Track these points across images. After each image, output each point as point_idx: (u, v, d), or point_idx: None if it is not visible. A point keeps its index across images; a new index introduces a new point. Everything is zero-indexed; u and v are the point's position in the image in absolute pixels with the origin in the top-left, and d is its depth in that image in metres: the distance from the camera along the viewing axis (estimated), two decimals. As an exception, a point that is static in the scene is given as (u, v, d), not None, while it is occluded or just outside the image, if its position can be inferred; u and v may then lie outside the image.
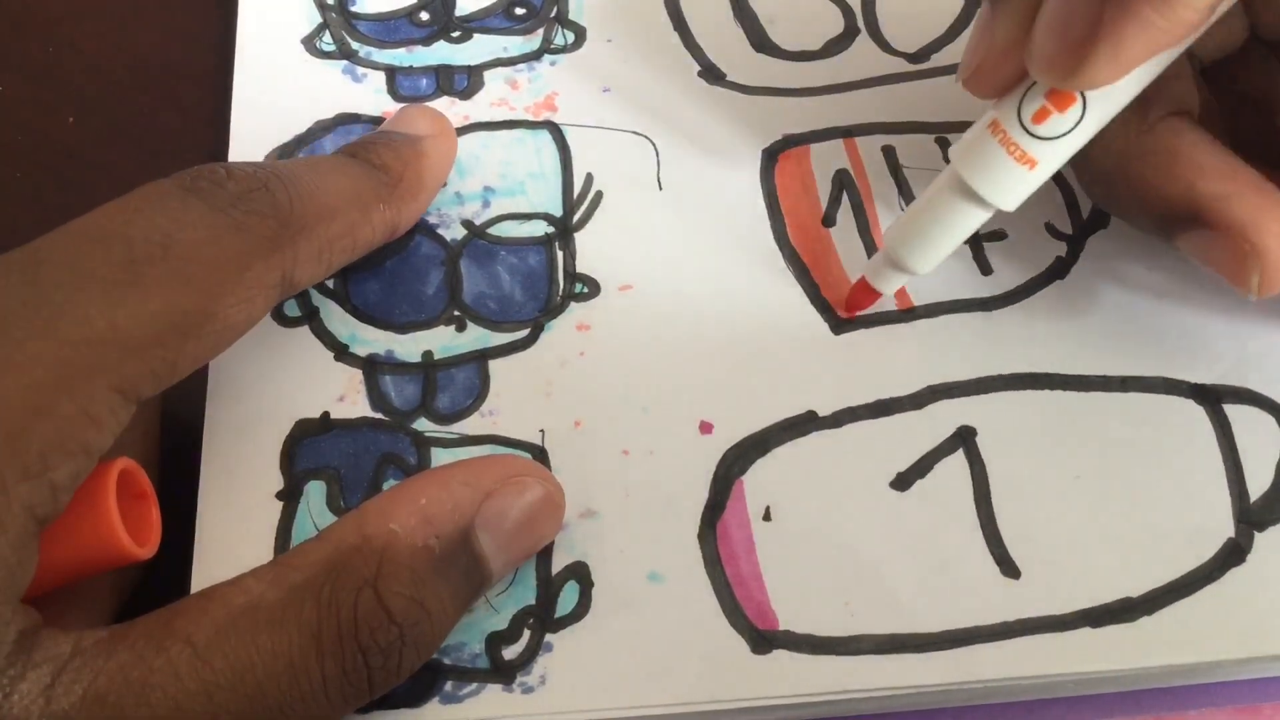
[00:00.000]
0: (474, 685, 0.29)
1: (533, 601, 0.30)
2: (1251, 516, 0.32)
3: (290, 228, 0.29)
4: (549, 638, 0.30)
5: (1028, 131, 0.29)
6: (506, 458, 0.31)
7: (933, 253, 0.32)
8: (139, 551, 0.27)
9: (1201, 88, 0.33)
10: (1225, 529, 0.31)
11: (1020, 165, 0.30)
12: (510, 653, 0.29)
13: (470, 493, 0.28)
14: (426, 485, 0.28)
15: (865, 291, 0.34)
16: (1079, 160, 0.31)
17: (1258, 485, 0.32)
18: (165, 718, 0.24)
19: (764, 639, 0.30)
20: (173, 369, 0.27)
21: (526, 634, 0.30)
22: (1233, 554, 0.31)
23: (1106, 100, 0.29)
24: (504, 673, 0.29)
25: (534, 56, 0.39)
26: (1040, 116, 0.29)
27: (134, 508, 0.28)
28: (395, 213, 0.33)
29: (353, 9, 0.39)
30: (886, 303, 0.34)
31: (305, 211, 0.30)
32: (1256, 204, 0.30)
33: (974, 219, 0.31)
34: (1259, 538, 0.31)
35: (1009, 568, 0.31)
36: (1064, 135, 0.29)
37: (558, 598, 0.30)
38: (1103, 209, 0.35)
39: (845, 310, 0.35)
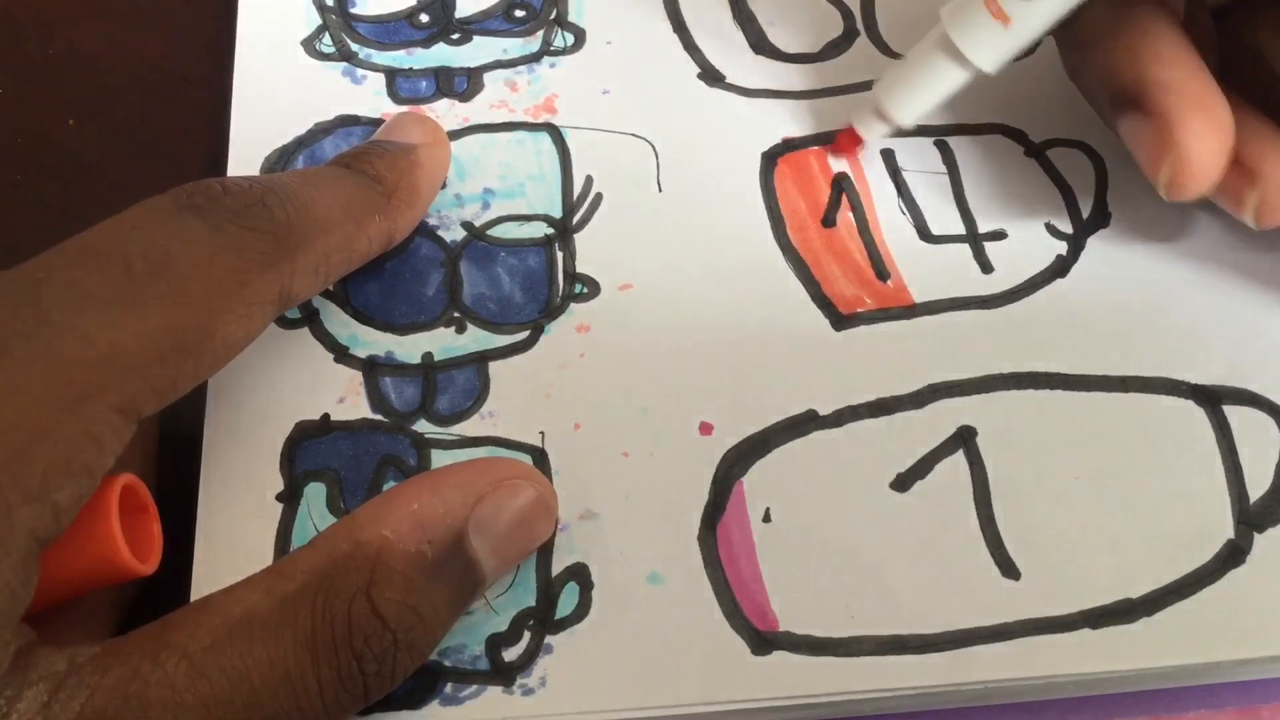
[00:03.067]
0: (474, 687, 0.29)
1: (533, 603, 0.30)
2: (1251, 518, 0.31)
3: (287, 243, 0.29)
4: (549, 639, 0.30)
5: None
6: (499, 460, 0.31)
7: (914, 104, 0.35)
8: (141, 568, 0.27)
9: (1208, 25, 0.34)
10: (1225, 530, 0.31)
11: (995, 21, 0.32)
12: (510, 654, 0.29)
13: (463, 496, 0.28)
14: (419, 490, 0.28)
15: (851, 137, 0.36)
16: (1063, 32, 0.34)
17: (1257, 487, 0.32)
18: None
19: (764, 640, 0.30)
20: (173, 387, 0.27)
21: (527, 635, 0.30)
22: (1232, 555, 0.31)
23: None
24: (504, 674, 0.29)
25: (533, 58, 0.39)
26: None
27: (135, 522, 0.28)
28: (391, 223, 0.33)
29: (352, 11, 0.39)
30: (887, 297, 0.35)
31: (302, 226, 0.30)
32: (1191, 99, 0.31)
33: (953, 75, 0.34)
34: (1258, 539, 0.31)
35: (1009, 568, 0.31)
36: None
37: (558, 599, 0.30)
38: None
39: (832, 151, 0.37)
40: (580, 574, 0.30)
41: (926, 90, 0.34)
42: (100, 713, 0.24)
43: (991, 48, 0.33)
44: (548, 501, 0.30)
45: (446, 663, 0.29)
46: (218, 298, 0.27)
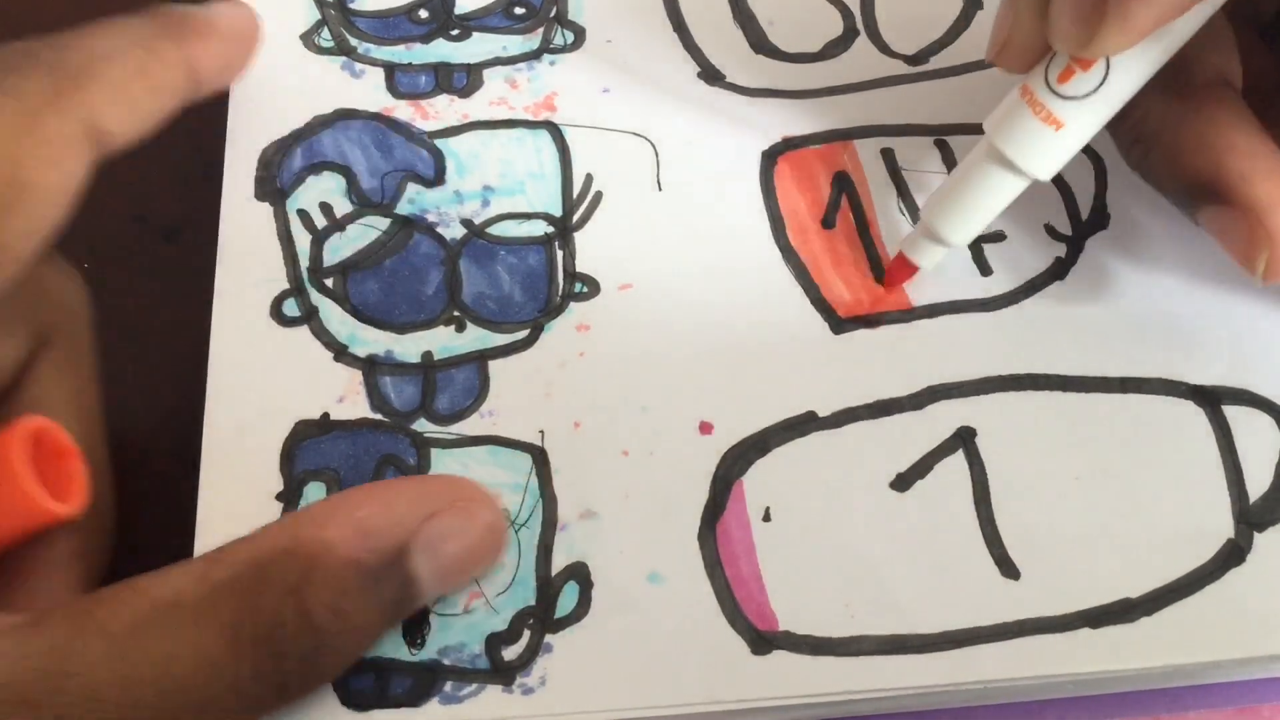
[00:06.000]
0: (474, 686, 0.29)
1: (532, 602, 0.30)
2: (1251, 517, 0.32)
3: (67, 77, 0.29)
4: (549, 638, 0.30)
5: (1054, 92, 0.30)
6: (456, 480, 0.30)
7: (969, 223, 0.33)
8: (60, 509, 0.27)
9: (1261, 51, 0.33)
10: (1225, 529, 0.31)
11: (1047, 126, 0.30)
12: (510, 653, 0.29)
13: (413, 510, 0.28)
14: (369, 497, 0.28)
15: (903, 266, 0.35)
16: (1120, 125, 0.32)
17: (1257, 486, 0.32)
18: (80, 707, 0.24)
19: (764, 640, 0.30)
20: (5, 248, 0.27)
21: (526, 635, 0.30)
22: (1232, 555, 0.31)
23: (1131, 64, 0.30)
24: (504, 673, 0.29)
25: (533, 56, 0.39)
26: (1065, 76, 0.30)
27: (55, 466, 0.28)
28: (189, 52, 0.32)
29: (351, 6, 0.39)
30: (885, 299, 0.35)
31: (78, 59, 0.29)
32: (1277, 187, 0.30)
33: (1008, 187, 0.32)
34: (1258, 538, 0.31)
35: (1009, 568, 0.31)
36: (1089, 95, 0.30)
37: (557, 599, 0.30)
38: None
39: (886, 285, 0.35)
40: (580, 573, 0.30)
41: (981, 207, 0.32)
42: (13, 684, 0.24)
43: (1046, 155, 0.31)
44: (499, 529, 0.30)
45: (446, 661, 0.29)
46: (13, 145, 0.27)
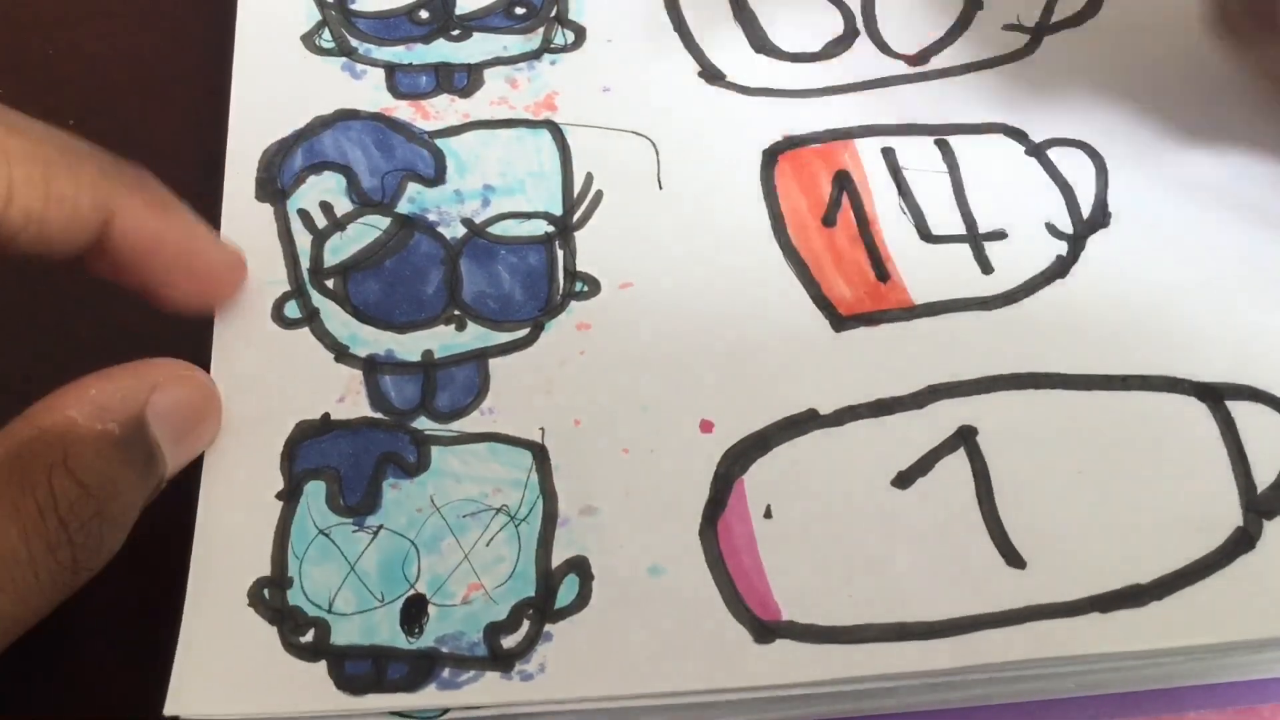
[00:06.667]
0: (472, 672, 0.29)
1: (532, 593, 0.30)
2: (1260, 506, 0.31)
3: None
4: (549, 628, 0.29)
5: None
6: (168, 359, 0.31)
7: None
8: None
9: None
10: (1234, 518, 0.31)
11: None
12: (509, 642, 0.29)
13: (138, 384, 0.29)
14: (93, 379, 0.28)
15: None
16: None
17: (1265, 477, 0.32)
18: None
19: (767, 629, 0.29)
20: None
21: (526, 624, 0.29)
22: (1242, 541, 0.31)
23: None
24: (503, 661, 0.29)
25: (534, 56, 0.39)
26: None
27: None
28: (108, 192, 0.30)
29: (352, 7, 0.39)
30: (886, 298, 0.35)
31: None
32: None
33: None
34: (1268, 525, 0.31)
35: (1014, 558, 0.30)
36: None
37: (558, 590, 0.30)
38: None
39: None
40: (580, 566, 0.30)
41: None
42: None
43: None
44: (214, 392, 0.31)
45: (444, 649, 0.29)
46: None
